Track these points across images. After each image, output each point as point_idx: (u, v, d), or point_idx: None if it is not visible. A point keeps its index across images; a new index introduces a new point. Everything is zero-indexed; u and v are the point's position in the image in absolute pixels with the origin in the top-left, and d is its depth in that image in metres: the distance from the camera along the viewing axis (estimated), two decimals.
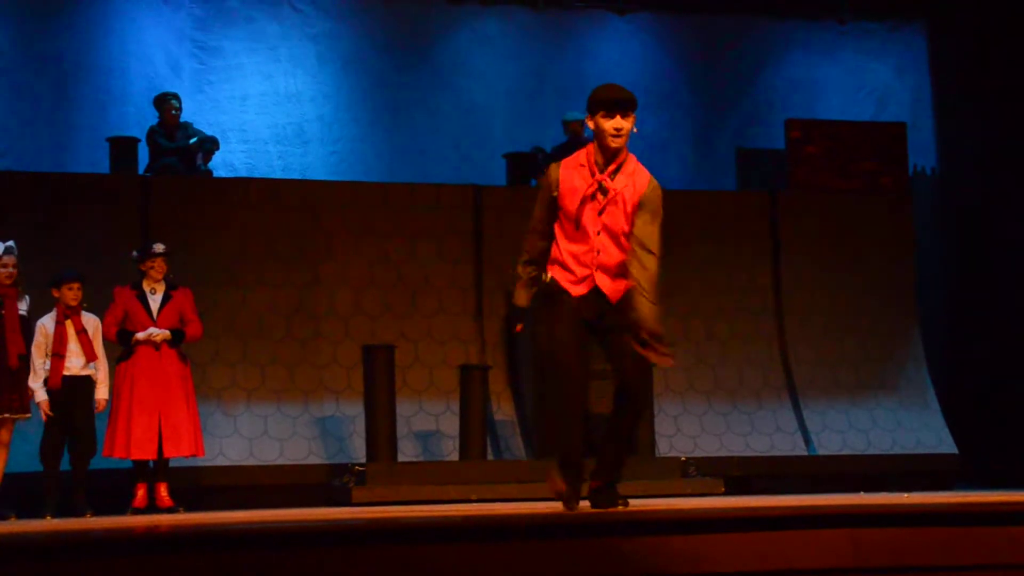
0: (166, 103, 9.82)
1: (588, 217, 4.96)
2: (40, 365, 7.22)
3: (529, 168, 10.44)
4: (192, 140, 9.72)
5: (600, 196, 4.97)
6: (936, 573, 4.31)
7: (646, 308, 4.89)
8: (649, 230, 4.95)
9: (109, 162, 9.80)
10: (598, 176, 4.98)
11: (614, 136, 4.96)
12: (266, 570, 3.91)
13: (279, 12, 11.39)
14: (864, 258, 10.35)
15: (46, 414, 7.21)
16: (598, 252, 5.00)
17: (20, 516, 7.03)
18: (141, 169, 9.76)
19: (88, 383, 7.37)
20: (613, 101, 5.00)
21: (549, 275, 5.09)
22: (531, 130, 11.21)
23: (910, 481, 9.19)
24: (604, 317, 5.04)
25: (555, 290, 5.06)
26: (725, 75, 12.02)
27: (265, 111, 11.27)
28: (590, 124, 5.05)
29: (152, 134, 9.77)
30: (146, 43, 11.03)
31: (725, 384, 9.91)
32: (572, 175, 5.01)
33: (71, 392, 7.27)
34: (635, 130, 5.03)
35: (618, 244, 4.99)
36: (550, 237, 5.08)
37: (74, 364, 7.30)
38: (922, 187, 11.53)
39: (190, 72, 11.11)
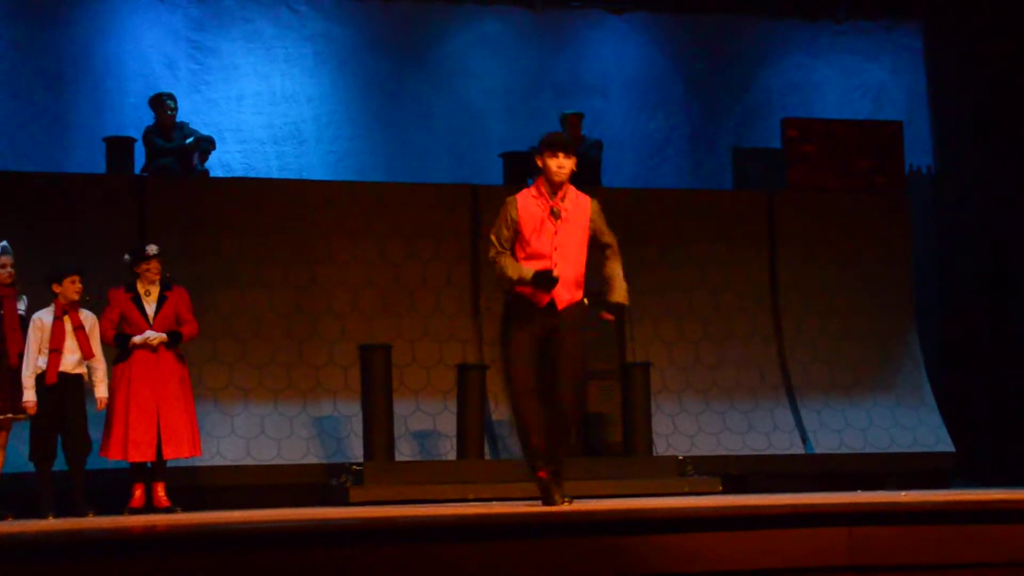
0: (162, 103, 9.80)
1: (545, 238, 6.03)
2: (33, 360, 7.18)
3: (526, 168, 10.43)
4: (188, 140, 9.71)
5: (553, 219, 6.04)
6: (933, 571, 4.32)
7: (622, 286, 6.19)
8: (609, 235, 6.21)
9: (105, 162, 9.79)
10: (550, 202, 6.06)
11: (557, 171, 6.08)
12: (264, 570, 3.91)
13: (276, 12, 11.38)
14: (861, 257, 10.36)
15: (30, 414, 7.17)
16: (556, 265, 6.00)
17: (17, 517, 7.02)
18: (137, 169, 9.75)
19: (81, 381, 7.35)
20: (557, 143, 6.15)
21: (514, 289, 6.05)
22: (528, 130, 11.19)
23: (907, 479, 9.20)
24: (554, 330, 6.03)
25: (518, 304, 6.04)
26: (722, 74, 12.02)
27: (262, 111, 11.26)
28: (539, 163, 6.14)
29: (148, 134, 9.77)
30: (142, 43, 11.02)
31: (722, 383, 9.92)
32: (528, 204, 6.08)
33: (63, 389, 7.25)
34: (574, 169, 6.13)
35: (571, 260, 6.05)
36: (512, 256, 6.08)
37: (69, 361, 7.27)
38: (918, 186, 11.54)
39: (186, 72, 11.10)
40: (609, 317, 6.23)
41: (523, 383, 6.03)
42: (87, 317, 7.41)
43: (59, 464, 7.41)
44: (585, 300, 6.16)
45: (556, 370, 6.05)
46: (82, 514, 7.15)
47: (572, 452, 8.84)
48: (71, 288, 7.30)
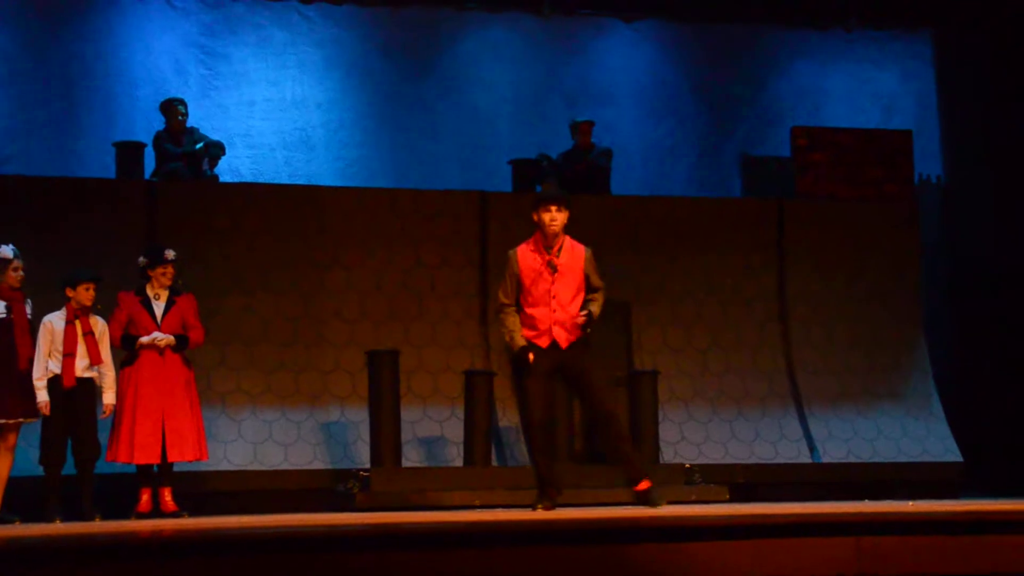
0: (173, 108, 9.83)
1: (543, 288, 6.65)
2: (44, 364, 7.21)
3: (535, 175, 10.44)
4: (198, 145, 9.73)
5: (550, 272, 6.65)
6: None
7: (597, 311, 6.80)
8: (597, 281, 6.81)
9: (115, 167, 9.82)
10: (546, 256, 6.67)
11: (550, 224, 6.63)
12: (270, 575, 3.91)
13: (286, 19, 11.40)
14: (869, 266, 10.34)
15: (44, 415, 7.20)
16: (554, 311, 6.68)
17: (24, 520, 7.03)
18: (147, 174, 9.77)
19: (90, 385, 7.38)
20: (548, 197, 6.67)
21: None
22: (537, 137, 11.21)
23: (915, 489, 9.18)
24: (562, 366, 6.72)
25: (524, 349, 6.68)
26: (731, 82, 12.02)
27: (272, 117, 11.28)
28: (535, 218, 6.69)
29: (159, 139, 9.79)
30: (153, 49, 11.05)
31: (730, 391, 9.90)
32: (528, 258, 6.70)
33: (74, 394, 7.27)
34: (566, 221, 6.65)
35: (568, 307, 6.68)
36: (518, 309, 6.71)
37: (79, 366, 7.30)
38: (928, 195, 11.52)
39: (197, 78, 11.13)
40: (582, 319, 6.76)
41: (537, 419, 6.70)
42: (97, 323, 7.44)
43: (66, 468, 7.43)
44: (583, 315, 6.75)
45: (585, 396, 6.82)
46: (89, 518, 7.16)
47: (578, 459, 8.89)
48: (85, 295, 7.34)
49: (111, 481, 7.82)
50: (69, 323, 7.27)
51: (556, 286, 6.66)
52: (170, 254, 7.74)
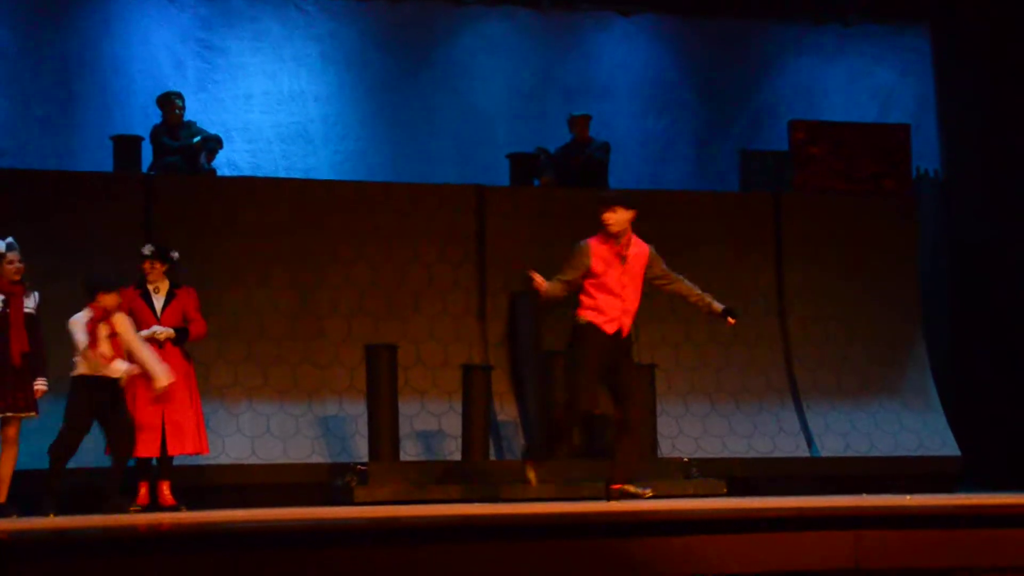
0: (170, 102, 9.81)
1: (614, 277, 7.08)
2: (98, 349, 7.16)
3: (532, 169, 10.43)
4: (196, 139, 9.72)
5: (620, 263, 7.09)
6: (938, 575, 4.31)
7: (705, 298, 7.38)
8: (667, 269, 7.31)
9: (113, 161, 9.81)
10: (616, 248, 7.11)
11: (611, 225, 7.08)
12: (268, 569, 3.91)
13: (284, 12, 11.39)
14: (867, 260, 10.34)
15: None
16: (624, 301, 7.09)
17: (21, 514, 7.01)
18: (145, 168, 9.76)
19: (118, 384, 7.34)
20: (608, 199, 7.14)
21: (584, 318, 7.04)
22: (534, 131, 11.21)
23: (913, 483, 9.18)
24: (614, 352, 7.04)
25: (589, 329, 7.02)
26: (729, 76, 12.02)
27: (269, 110, 11.27)
28: (602, 220, 7.10)
29: (156, 133, 9.78)
30: (150, 42, 11.04)
31: (728, 386, 9.91)
32: (599, 249, 7.11)
33: (105, 391, 7.24)
34: (626, 216, 7.09)
35: (634, 297, 7.14)
36: (573, 288, 7.11)
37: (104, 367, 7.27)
38: (926, 189, 11.52)
39: (194, 71, 11.12)
40: (733, 321, 7.37)
41: (586, 406, 7.05)
42: (121, 321, 7.41)
43: (92, 461, 7.40)
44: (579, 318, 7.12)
45: (620, 388, 7.08)
46: (123, 510, 7.13)
47: (576, 454, 8.90)
48: (113, 300, 7.29)
49: (108, 474, 7.80)
50: (97, 323, 7.24)
51: (625, 277, 7.09)
52: (146, 250, 7.73)
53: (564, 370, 7.64)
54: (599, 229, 7.10)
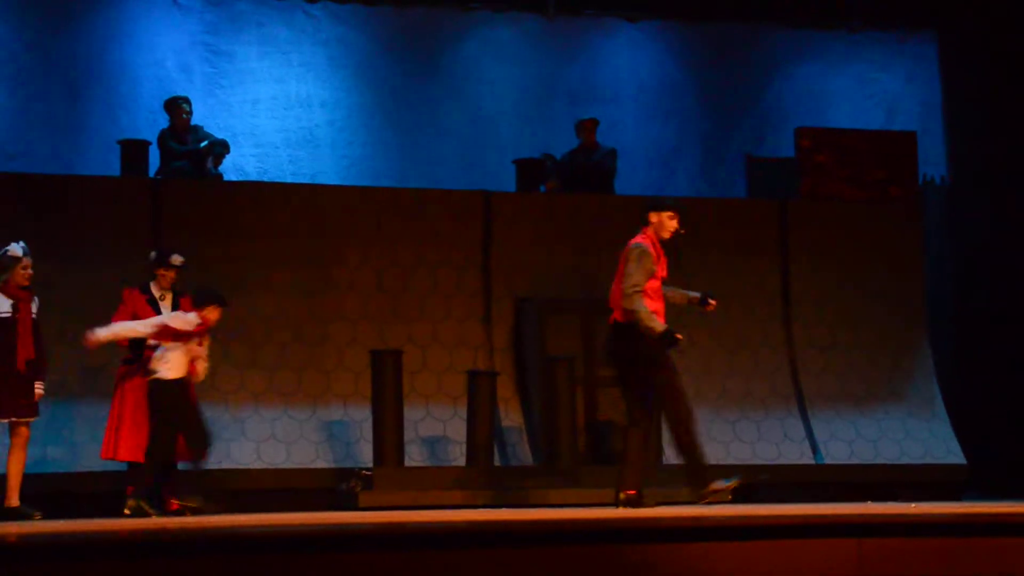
0: (177, 107, 9.83)
1: (659, 280, 7.13)
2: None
3: (539, 175, 10.44)
4: (203, 144, 9.74)
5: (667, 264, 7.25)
6: None
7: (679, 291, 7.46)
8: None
9: (120, 165, 9.82)
10: (659, 248, 7.14)
11: (675, 233, 7.14)
12: (273, 574, 3.91)
13: (291, 17, 11.42)
14: (873, 267, 10.33)
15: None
16: (662, 302, 7.22)
17: (45, 516, 7.02)
18: (152, 172, 9.78)
19: (189, 382, 7.38)
20: (681, 209, 7.16)
21: (664, 326, 6.99)
22: (541, 136, 11.22)
23: (917, 491, 9.16)
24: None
25: (670, 338, 6.98)
26: (735, 83, 12.02)
27: (276, 115, 11.29)
28: (655, 217, 7.11)
29: (163, 137, 9.79)
30: (158, 47, 11.07)
31: (732, 392, 9.90)
32: (659, 250, 7.14)
33: (180, 392, 7.29)
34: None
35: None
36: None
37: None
38: (932, 196, 11.51)
39: (201, 76, 11.14)
40: (713, 305, 7.40)
41: (690, 410, 7.14)
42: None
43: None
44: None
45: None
46: (211, 512, 7.17)
47: (583, 461, 8.89)
48: (218, 317, 7.38)
49: (110, 479, 7.81)
50: (196, 333, 7.31)
51: (663, 273, 7.18)
52: (176, 259, 7.76)
53: (659, 389, 7.09)
54: (640, 231, 7.02)
